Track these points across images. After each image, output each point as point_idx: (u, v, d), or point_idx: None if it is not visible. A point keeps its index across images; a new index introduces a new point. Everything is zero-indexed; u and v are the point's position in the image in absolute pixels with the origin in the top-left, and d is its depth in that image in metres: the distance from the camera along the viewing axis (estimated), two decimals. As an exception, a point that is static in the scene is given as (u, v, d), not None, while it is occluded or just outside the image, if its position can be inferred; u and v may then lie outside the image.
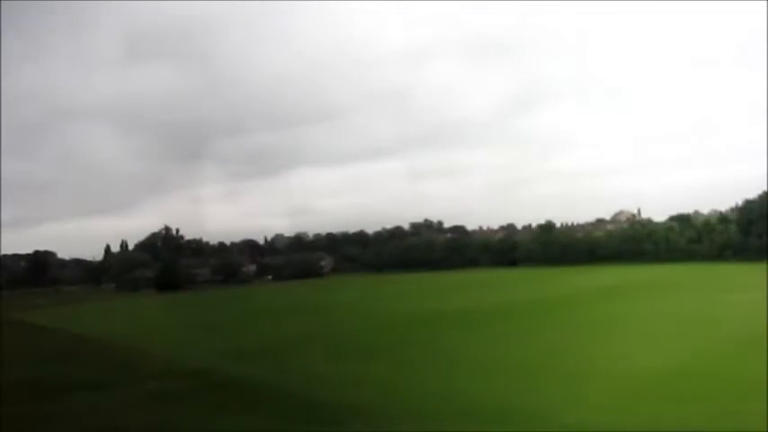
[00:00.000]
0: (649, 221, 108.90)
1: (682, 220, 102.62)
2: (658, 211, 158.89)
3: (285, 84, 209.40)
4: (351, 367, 30.25)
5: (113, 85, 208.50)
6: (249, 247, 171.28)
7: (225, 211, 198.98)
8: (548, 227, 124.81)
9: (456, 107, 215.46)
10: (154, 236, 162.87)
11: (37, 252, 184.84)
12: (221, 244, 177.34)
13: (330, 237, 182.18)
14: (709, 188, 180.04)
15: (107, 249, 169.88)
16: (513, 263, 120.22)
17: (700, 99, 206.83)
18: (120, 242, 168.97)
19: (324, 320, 54.43)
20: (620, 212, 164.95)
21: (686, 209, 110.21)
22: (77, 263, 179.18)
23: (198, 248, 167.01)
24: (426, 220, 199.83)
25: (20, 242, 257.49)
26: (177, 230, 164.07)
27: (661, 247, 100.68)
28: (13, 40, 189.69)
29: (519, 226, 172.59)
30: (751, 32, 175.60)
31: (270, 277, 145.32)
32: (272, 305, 76.51)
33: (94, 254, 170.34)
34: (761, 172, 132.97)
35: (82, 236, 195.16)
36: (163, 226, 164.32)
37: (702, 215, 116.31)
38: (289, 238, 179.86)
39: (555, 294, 61.39)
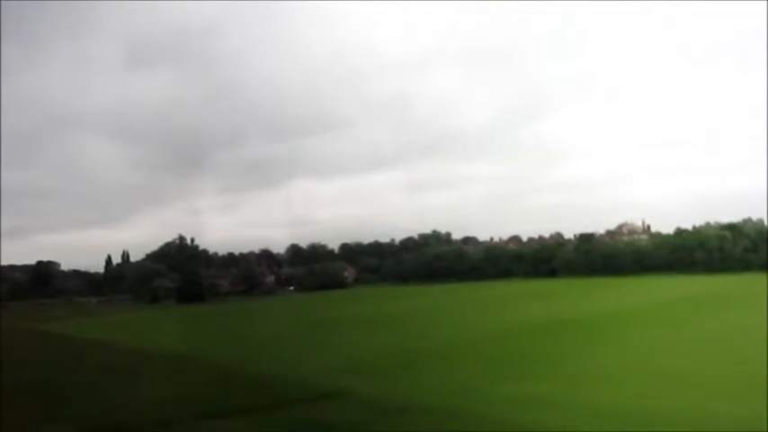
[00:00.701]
0: (703, 228, 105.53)
1: (733, 229, 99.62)
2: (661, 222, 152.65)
3: (285, 93, 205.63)
4: (511, 385, 25.93)
5: (112, 93, 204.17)
6: (266, 257, 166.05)
7: (223, 222, 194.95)
8: (587, 236, 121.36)
9: (456, 117, 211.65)
10: (167, 245, 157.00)
11: (40, 262, 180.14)
12: (231, 254, 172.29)
13: (345, 247, 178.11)
14: (713, 198, 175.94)
15: (108, 260, 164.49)
16: (551, 273, 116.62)
17: (702, 105, 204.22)
18: (120, 253, 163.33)
19: (411, 332, 49.67)
20: (624, 224, 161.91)
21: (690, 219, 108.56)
22: (79, 274, 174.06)
23: (207, 259, 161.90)
24: (435, 231, 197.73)
25: (14, 252, 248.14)
26: (192, 240, 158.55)
27: (714, 256, 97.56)
28: (10, 45, 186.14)
29: (524, 237, 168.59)
30: (751, 33, 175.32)
31: (291, 288, 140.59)
32: (329, 316, 71.81)
33: (89, 264, 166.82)
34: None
35: (77, 246, 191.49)
36: (177, 235, 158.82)
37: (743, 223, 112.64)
38: (302, 248, 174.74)
39: (652, 301, 57.76)
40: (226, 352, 43.81)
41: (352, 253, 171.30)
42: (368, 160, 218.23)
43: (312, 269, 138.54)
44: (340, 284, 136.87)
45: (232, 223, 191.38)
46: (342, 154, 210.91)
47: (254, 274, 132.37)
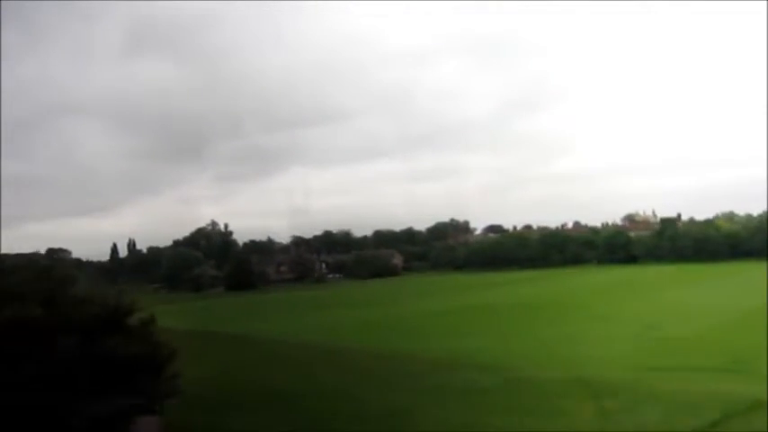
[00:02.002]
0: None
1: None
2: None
3: (284, 83, 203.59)
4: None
5: (111, 80, 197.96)
6: (303, 244, 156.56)
7: (222, 211, 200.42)
8: (670, 221, 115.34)
9: (457, 108, 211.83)
10: (199, 232, 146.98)
11: (51, 250, 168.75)
12: (252, 241, 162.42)
13: (379, 234, 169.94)
14: (715, 189, 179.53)
15: (114, 248, 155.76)
16: (629, 260, 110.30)
17: (702, 100, 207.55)
18: (114, 242, 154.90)
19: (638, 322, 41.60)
20: (633, 215, 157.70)
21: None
22: (90, 263, 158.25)
23: (263, 246, 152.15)
24: (453, 220, 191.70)
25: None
26: (226, 226, 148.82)
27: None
28: (8, 31, 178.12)
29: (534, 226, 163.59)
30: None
31: (338, 276, 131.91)
32: (465, 303, 63.39)
33: (82, 253, 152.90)
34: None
35: (71, 235, 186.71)
36: (209, 221, 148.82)
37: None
38: (335, 234, 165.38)
39: None
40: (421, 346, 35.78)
41: (385, 240, 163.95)
42: (367, 150, 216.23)
43: (361, 256, 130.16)
44: (391, 272, 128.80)
45: (229, 211, 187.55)
46: (341, 144, 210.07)
47: (305, 261, 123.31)
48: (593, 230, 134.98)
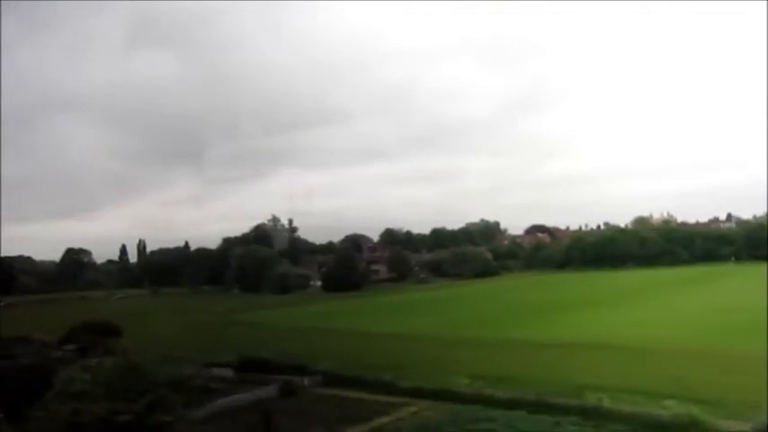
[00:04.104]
0: None
1: None
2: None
3: (283, 83, 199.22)
4: None
5: (105, 76, 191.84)
6: (363, 241, 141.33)
7: (219, 213, 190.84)
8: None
9: (459, 110, 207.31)
10: (258, 228, 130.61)
11: (70, 250, 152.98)
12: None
13: (437, 232, 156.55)
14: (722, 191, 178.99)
15: (122, 250, 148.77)
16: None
17: (704, 102, 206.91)
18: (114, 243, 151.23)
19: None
20: (644, 217, 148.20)
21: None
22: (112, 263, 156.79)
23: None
24: (483, 220, 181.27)
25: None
26: (290, 221, 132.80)
27: None
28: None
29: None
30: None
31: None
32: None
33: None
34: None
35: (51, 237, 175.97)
36: (270, 216, 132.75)
37: None
38: (395, 232, 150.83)
39: None
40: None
41: (443, 239, 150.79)
42: (365, 152, 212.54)
43: (457, 254, 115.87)
44: (492, 271, 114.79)
45: (225, 214, 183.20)
46: (339, 145, 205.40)
47: (404, 259, 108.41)
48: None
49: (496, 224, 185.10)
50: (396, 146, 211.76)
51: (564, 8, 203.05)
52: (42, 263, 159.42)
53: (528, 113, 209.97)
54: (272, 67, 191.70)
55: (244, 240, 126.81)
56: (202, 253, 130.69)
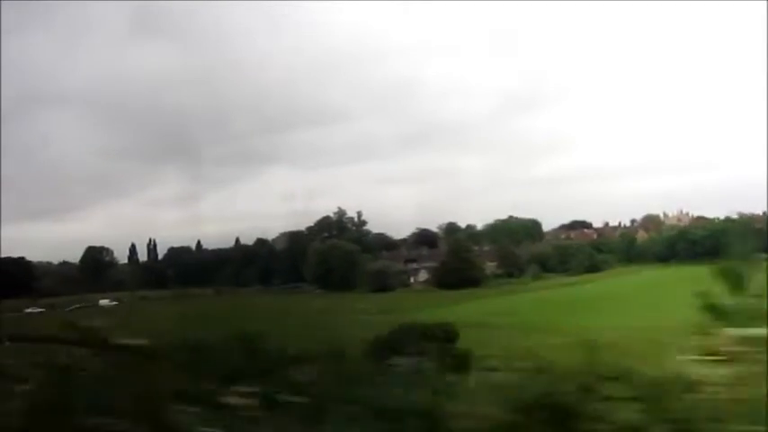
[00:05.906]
0: None
1: None
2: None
3: (280, 81, 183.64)
4: None
5: (96, 68, 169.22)
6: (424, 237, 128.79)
7: (217, 212, 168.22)
8: None
9: (456, 107, 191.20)
10: (323, 220, 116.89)
11: (92, 248, 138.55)
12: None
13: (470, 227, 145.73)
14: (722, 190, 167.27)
15: (132, 249, 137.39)
16: None
17: (703, 100, 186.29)
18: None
19: None
20: (652, 216, 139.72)
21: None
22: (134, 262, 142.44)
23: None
24: (511, 217, 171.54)
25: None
26: (359, 214, 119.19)
27: None
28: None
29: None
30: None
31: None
32: None
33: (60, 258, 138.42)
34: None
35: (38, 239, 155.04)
36: (337, 208, 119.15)
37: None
38: (431, 230, 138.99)
39: None
40: None
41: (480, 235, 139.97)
42: (363, 150, 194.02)
43: (559, 248, 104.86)
44: (595, 267, 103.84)
45: (221, 213, 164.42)
46: (335, 144, 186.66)
47: (511, 255, 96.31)
48: None
49: (533, 221, 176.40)
50: (393, 144, 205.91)
51: (564, 8, 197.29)
52: (55, 264, 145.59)
53: (528, 111, 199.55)
54: (269, 66, 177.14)
55: (308, 235, 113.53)
56: (242, 249, 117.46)
